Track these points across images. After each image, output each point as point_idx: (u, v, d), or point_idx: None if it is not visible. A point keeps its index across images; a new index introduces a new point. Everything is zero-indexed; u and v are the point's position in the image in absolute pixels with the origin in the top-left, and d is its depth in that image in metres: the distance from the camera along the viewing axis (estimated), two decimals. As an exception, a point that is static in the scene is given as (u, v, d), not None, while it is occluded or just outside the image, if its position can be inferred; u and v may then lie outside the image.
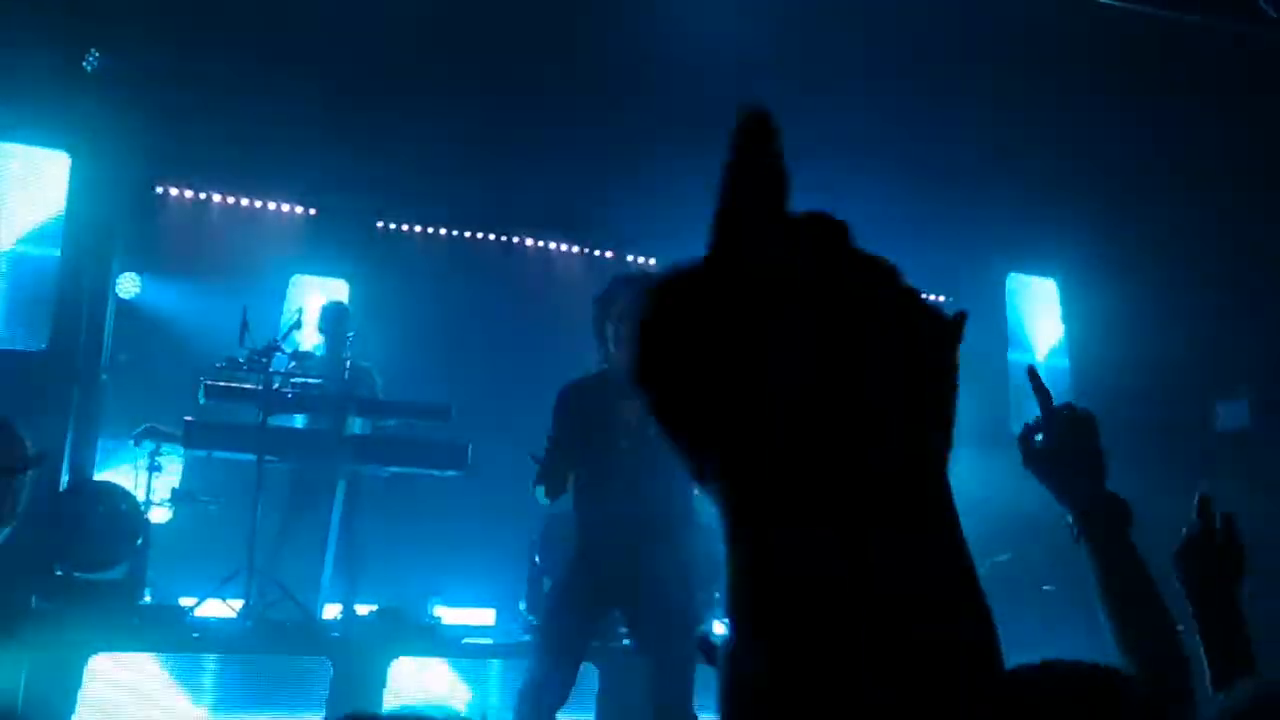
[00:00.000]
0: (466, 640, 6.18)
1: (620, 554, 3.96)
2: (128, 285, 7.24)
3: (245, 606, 5.57)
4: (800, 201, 0.50)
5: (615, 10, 6.56)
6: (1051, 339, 8.99)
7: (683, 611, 3.94)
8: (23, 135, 6.43)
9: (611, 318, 4.03)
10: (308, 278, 7.98)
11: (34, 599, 5.14)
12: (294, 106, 6.85)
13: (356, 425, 6.36)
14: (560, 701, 3.94)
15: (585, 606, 4.05)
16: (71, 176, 6.43)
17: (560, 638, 4.00)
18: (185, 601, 5.88)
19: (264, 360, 5.94)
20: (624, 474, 3.96)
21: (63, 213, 6.44)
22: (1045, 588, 6.92)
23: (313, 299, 7.30)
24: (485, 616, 7.36)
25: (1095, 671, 1.27)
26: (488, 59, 6.90)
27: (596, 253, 8.84)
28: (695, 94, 6.18)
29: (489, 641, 6.37)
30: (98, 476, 6.49)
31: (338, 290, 7.79)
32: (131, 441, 6.20)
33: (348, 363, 6.29)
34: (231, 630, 5.50)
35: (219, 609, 5.74)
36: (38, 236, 6.47)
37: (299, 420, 6.42)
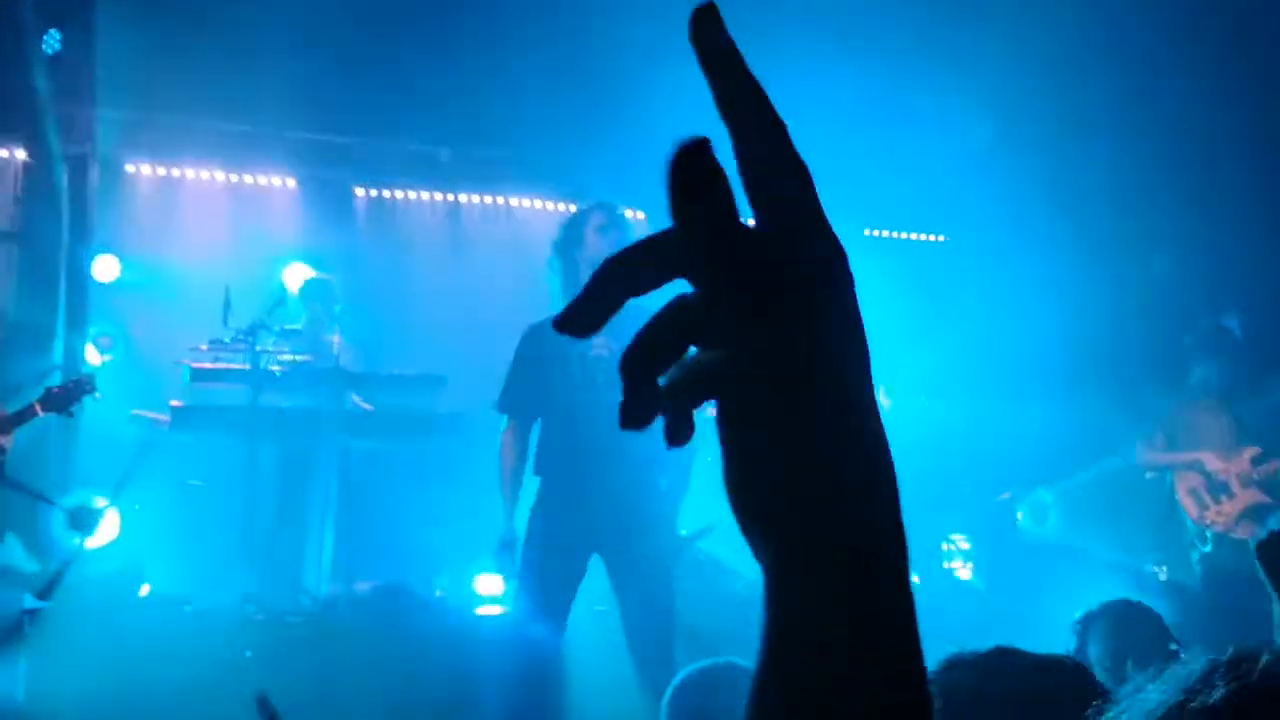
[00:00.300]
0: (477, 610, 6.10)
1: (600, 496, 3.82)
2: (106, 267, 7.05)
3: (246, 593, 5.46)
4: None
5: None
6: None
7: (664, 558, 3.83)
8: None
9: (588, 236, 3.90)
10: (289, 252, 7.81)
11: (26, 596, 5.03)
12: (268, 76, 6.65)
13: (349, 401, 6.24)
14: (553, 659, 3.84)
15: (564, 557, 3.90)
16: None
17: (544, 594, 3.88)
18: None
19: (250, 340, 5.79)
20: (601, 411, 3.80)
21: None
22: None
23: (295, 273, 7.12)
24: (494, 585, 7.26)
25: (1051, 659, 1.29)
26: (459, 12, 6.72)
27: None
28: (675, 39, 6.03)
29: (499, 610, 6.28)
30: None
31: (319, 263, 7.61)
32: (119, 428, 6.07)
33: (336, 338, 6.14)
34: (234, 618, 5.39)
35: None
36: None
37: (291, 399, 6.28)
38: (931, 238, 9.39)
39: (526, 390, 4.01)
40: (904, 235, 9.39)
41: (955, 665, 1.29)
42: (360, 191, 8.25)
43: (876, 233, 9.31)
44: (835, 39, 6.73)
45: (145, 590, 5.84)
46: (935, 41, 6.81)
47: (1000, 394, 7.16)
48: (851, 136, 7.43)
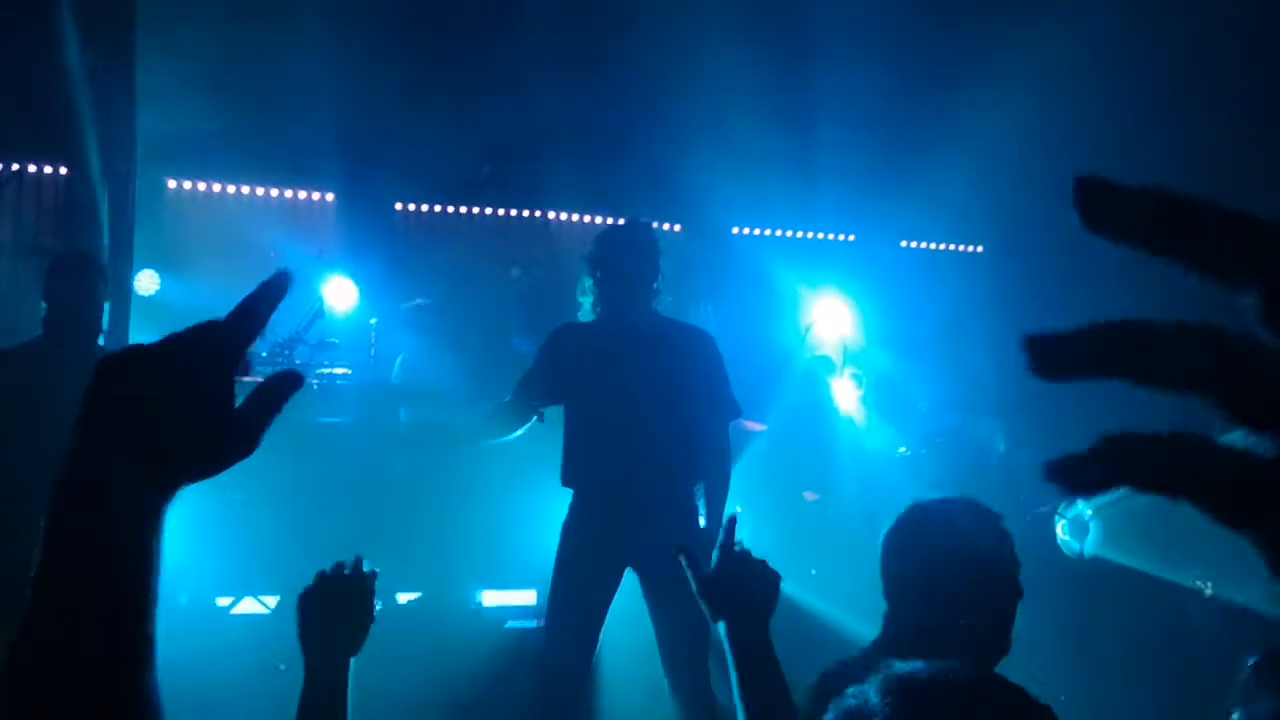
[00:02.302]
0: (510, 624, 6.10)
1: (637, 511, 3.76)
2: (146, 282, 7.13)
3: (282, 604, 5.50)
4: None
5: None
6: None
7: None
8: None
9: (619, 252, 3.87)
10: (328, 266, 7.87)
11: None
12: (305, 92, 6.71)
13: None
14: (583, 680, 3.79)
15: (597, 572, 3.84)
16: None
17: (574, 610, 3.82)
18: (221, 601, 5.82)
19: (287, 352, 5.83)
20: (638, 428, 3.76)
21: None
22: None
23: (333, 286, 7.17)
24: (527, 598, 7.27)
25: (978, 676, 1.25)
26: (496, 30, 6.74)
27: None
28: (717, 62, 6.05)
29: (533, 624, 6.27)
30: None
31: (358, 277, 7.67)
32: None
33: (373, 350, 6.18)
34: (270, 628, 5.43)
35: (254, 606, 5.68)
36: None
37: (328, 412, 6.32)
38: (969, 248, 9.32)
39: (538, 379, 3.92)
40: (941, 246, 9.32)
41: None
42: (399, 206, 8.30)
43: (913, 244, 9.26)
44: (869, 49, 6.69)
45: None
46: (972, 48, 6.76)
47: (1040, 406, 7.07)
48: (886, 148, 7.39)
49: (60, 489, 0.76)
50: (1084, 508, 7.02)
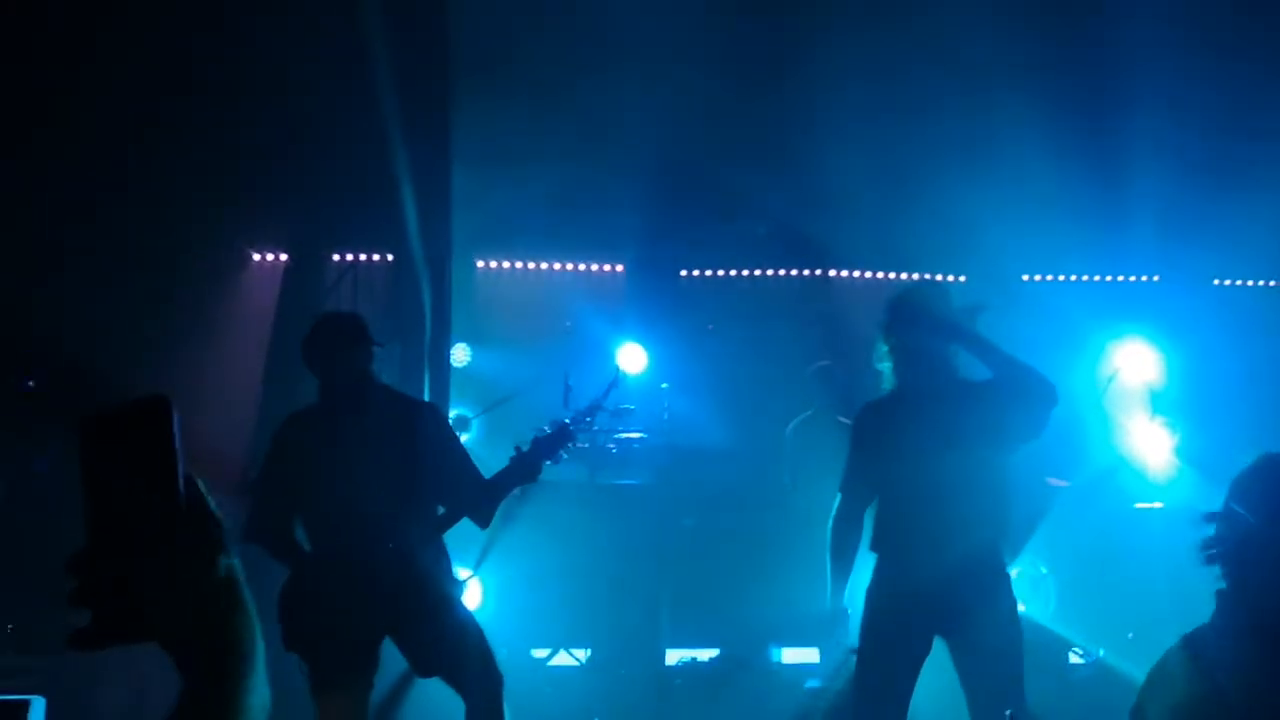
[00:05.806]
0: (809, 685, 6.10)
1: (945, 578, 3.72)
2: (460, 355, 7.73)
3: (591, 657, 5.77)
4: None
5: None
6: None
7: (1010, 636, 3.69)
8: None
9: (915, 318, 3.90)
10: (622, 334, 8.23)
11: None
12: (602, 174, 7.08)
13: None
14: None
15: (905, 635, 3.81)
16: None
17: (884, 673, 3.80)
18: (538, 653, 6.16)
19: (589, 419, 6.13)
20: (946, 494, 3.74)
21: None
22: None
23: (626, 353, 7.50)
24: (809, 655, 7.24)
25: None
26: (778, 90, 6.88)
27: (904, 276, 8.58)
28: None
29: (817, 684, 6.24)
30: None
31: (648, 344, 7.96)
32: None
33: (666, 415, 6.42)
34: (580, 679, 5.71)
35: (567, 659, 5.98)
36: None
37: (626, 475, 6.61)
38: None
39: (861, 471, 4.00)
40: (1258, 283, 8.67)
41: None
42: (684, 273, 8.59)
43: (1226, 282, 8.66)
44: (1170, 74, 6.37)
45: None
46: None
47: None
48: (1194, 179, 6.99)
49: None
50: None
